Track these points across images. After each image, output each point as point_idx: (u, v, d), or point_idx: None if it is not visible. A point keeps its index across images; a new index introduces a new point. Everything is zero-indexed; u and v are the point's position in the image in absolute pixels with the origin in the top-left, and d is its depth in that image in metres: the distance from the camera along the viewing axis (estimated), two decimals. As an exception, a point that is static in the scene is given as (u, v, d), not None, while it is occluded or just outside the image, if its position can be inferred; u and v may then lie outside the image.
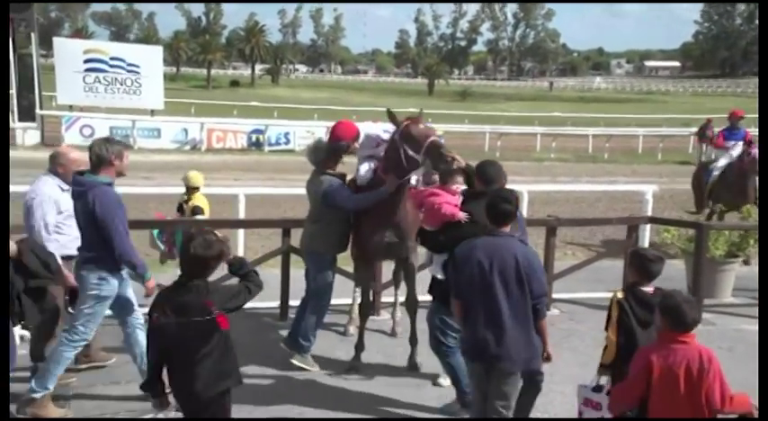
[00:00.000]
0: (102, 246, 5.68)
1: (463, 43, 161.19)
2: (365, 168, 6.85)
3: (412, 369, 6.90)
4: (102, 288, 5.76)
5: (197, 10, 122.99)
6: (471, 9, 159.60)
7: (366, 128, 7.16)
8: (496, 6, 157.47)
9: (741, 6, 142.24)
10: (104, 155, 5.74)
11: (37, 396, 5.72)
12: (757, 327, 8.62)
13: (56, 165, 6.35)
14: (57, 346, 5.90)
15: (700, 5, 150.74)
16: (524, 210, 9.10)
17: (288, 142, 29.69)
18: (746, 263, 10.29)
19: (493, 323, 4.77)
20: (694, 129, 38.49)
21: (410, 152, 6.31)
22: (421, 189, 6.62)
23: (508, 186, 6.75)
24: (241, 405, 5.55)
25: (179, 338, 4.30)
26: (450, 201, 5.92)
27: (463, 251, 4.96)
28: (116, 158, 5.78)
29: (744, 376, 7.06)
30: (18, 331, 7.11)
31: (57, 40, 32.25)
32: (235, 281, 4.61)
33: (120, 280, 5.90)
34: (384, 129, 6.89)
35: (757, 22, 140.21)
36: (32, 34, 28.23)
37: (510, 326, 4.77)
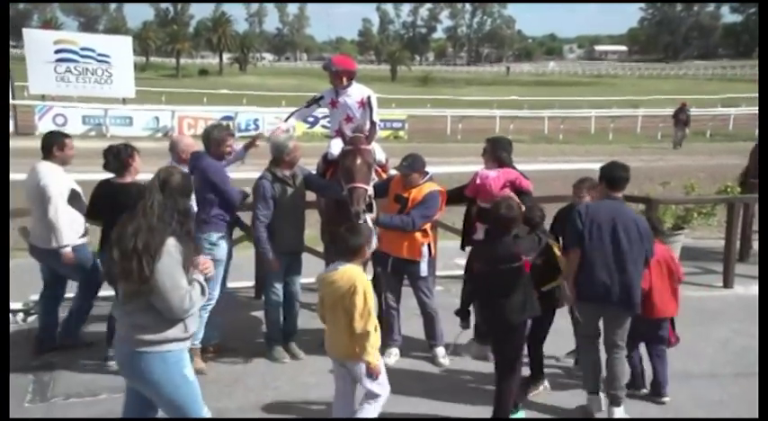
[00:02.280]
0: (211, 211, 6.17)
1: (423, 31, 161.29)
2: (337, 145, 6.73)
3: None
4: (214, 251, 6.09)
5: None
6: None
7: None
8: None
9: None
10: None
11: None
12: (700, 294, 8.87)
13: (177, 153, 6.51)
14: None
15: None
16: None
17: (257, 128, 29.50)
18: None
19: (620, 270, 5.34)
20: (642, 111, 39.19)
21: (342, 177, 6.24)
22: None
23: (471, 168, 6.93)
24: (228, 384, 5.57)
25: (494, 281, 5.15)
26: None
27: (591, 210, 5.51)
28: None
29: (689, 339, 7.26)
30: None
31: (26, 31, 31.58)
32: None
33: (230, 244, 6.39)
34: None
35: (696, 8, 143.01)
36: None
37: (633, 274, 5.36)
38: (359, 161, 6.10)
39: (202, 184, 6.03)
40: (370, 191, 6.23)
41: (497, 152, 6.69)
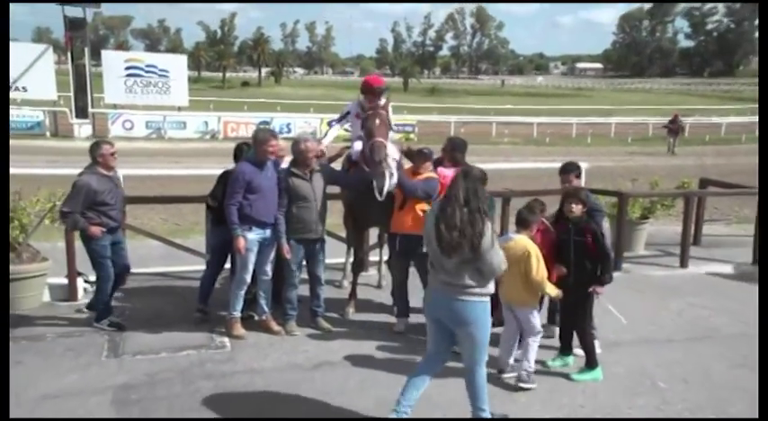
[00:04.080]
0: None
1: (431, 49, 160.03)
2: (359, 145, 6.67)
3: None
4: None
5: (214, 25, 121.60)
6: (437, 21, 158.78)
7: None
8: (458, 19, 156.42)
9: (645, 22, 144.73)
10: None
11: (228, 317, 6.28)
12: (660, 273, 8.89)
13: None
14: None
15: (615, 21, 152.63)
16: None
17: (290, 131, 29.52)
18: None
19: None
20: (615, 119, 38.92)
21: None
22: None
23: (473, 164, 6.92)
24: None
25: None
26: None
27: None
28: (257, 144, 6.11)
29: (652, 310, 7.32)
30: (81, 284, 7.24)
31: (104, 53, 32.54)
32: None
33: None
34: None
35: (658, 34, 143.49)
36: (85, 48, 28.48)
37: None
38: (377, 122, 6.23)
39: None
40: (390, 151, 6.27)
41: (453, 153, 6.63)
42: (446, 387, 5.01)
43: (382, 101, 6.70)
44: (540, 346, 5.52)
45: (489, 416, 4.53)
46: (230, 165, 6.48)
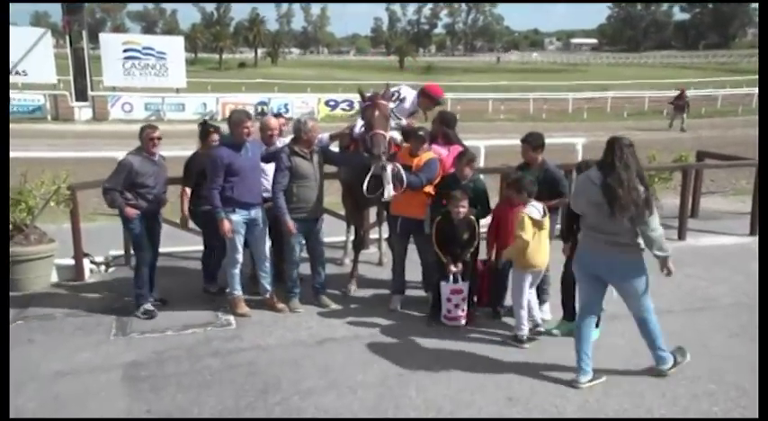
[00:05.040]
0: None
1: (426, 27, 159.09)
2: (359, 125, 6.67)
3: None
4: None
5: (210, 6, 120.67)
6: None
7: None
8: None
9: None
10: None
11: (230, 296, 6.36)
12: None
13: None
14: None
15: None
16: (482, 162, 9.12)
17: (287, 111, 29.35)
18: None
19: None
20: (611, 93, 38.72)
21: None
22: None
23: (469, 143, 6.91)
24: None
25: None
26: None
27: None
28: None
29: (652, 282, 7.29)
30: (87, 264, 7.28)
31: (102, 36, 32.28)
32: None
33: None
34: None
35: (653, 7, 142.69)
36: (83, 32, 28.32)
37: None
38: (377, 113, 6.18)
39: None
40: (391, 136, 6.30)
41: (443, 128, 6.70)
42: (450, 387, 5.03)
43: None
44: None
45: (670, 357, 5.08)
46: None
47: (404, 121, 6.87)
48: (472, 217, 5.96)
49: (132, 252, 6.74)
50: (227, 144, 6.12)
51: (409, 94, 7.14)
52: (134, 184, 6.03)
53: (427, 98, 7.12)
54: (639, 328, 5.02)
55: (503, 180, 8.53)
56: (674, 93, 29.96)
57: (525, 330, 5.69)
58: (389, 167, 6.03)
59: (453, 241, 5.91)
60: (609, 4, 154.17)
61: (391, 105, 6.62)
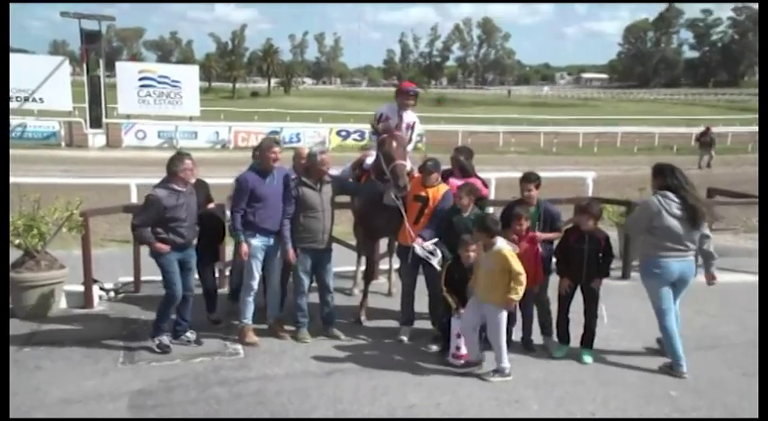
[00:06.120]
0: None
1: (438, 59, 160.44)
2: (371, 159, 6.79)
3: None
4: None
5: (225, 36, 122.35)
6: (444, 32, 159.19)
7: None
8: (465, 30, 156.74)
9: (650, 33, 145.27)
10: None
11: (239, 325, 6.36)
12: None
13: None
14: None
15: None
16: (492, 193, 9.15)
17: (299, 140, 29.63)
18: None
19: None
20: (621, 128, 38.82)
21: (382, 163, 6.32)
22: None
23: (481, 174, 6.98)
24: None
25: None
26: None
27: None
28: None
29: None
30: (96, 291, 7.29)
31: (119, 64, 33.10)
32: None
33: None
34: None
35: (663, 44, 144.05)
36: (100, 60, 28.99)
37: None
38: (395, 144, 6.26)
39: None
40: (409, 166, 6.37)
41: (458, 158, 6.96)
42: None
43: (409, 111, 7.09)
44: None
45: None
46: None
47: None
48: None
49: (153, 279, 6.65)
50: (254, 169, 6.17)
51: (391, 111, 7.23)
52: (164, 219, 5.81)
53: (401, 94, 7.27)
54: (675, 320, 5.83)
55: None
56: (687, 129, 29.77)
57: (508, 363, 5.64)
58: (418, 248, 6.06)
59: (462, 285, 5.84)
60: (619, 41, 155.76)
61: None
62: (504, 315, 5.57)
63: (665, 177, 5.71)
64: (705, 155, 27.38)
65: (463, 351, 5.85)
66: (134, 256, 7.56)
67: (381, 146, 6.34)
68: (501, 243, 5.54)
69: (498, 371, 5.58)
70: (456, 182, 6.56)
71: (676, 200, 5.58)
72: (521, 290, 5.47)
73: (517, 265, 5.44)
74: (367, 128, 7.29)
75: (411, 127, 7.13)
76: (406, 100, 7.23)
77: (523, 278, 5.44)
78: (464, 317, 5.71)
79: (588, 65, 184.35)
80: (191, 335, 6.23)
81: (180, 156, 6.01)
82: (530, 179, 6.23)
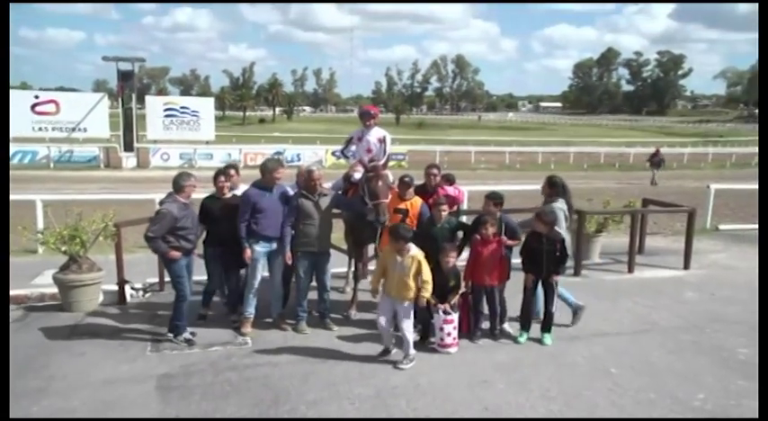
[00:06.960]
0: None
1: (419, 90, 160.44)
2: (359, 172, 6.82)
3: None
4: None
5: (237, 72, 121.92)
6: (424, 67, 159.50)
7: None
8: (441, 65, 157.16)
9: (594, 69, 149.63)
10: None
11: (242, 316, 6.37)
12: (611, 277, 8.95)
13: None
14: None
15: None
16: (465, 205, 9.22)
17: (299, 159, 29.63)
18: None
19: None
20: (574, 149, 39.12)
21: (366, 199, 6.33)
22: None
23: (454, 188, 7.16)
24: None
25: None
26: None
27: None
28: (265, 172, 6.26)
29: (606, 309, 7.37)
30: (128, 290, 7.29)
31: (148, 98, 33.82)
32: None
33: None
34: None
35: (605, 79, 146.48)
36: (133, 95, 29.48)
37: None
38: (380, 183, 6.27)
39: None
40: (391, 179, 6.55)
41: (445, 176, 7.29)
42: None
43: (373, 129, 6.98)
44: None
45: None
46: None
47: (366, 158, 6.88)
48: (458, 268, 6.02)
49: (169, 281, 6.50)
50: (256, 185, 6.23)
51: (360, 132, 7.15)
52: (175, 229, 5.83)
53: (361, 117, 7.17)
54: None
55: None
56: (626, 149, 30.05)
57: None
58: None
59: (442, 287, 5.81)
60: (569, 75, 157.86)
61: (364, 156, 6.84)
62: (412, 310, 5.53)
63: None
64: (655, 172, 27.14)
65: (447, 341, 5.83)
66: (158, 261, 7.56)
67: (369, 182, 6.31)
68: (415, 249, 5.46)
69: (407, 357, 5.52)
70: (448, 188, 6.78)
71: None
72: (430, 288, 5.43)
73: (426, 269, 5.41)
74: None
75: (382, 141, 7.00)
76: (366, 120, 7.07)
77: (430, 279, 5.40)
78: (380, 313, 5.59)
79: (545, 95, 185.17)
80: (189, 335, 6.16)
81: (186, 174, 6.07)
82: (490, 197, 6.32)
